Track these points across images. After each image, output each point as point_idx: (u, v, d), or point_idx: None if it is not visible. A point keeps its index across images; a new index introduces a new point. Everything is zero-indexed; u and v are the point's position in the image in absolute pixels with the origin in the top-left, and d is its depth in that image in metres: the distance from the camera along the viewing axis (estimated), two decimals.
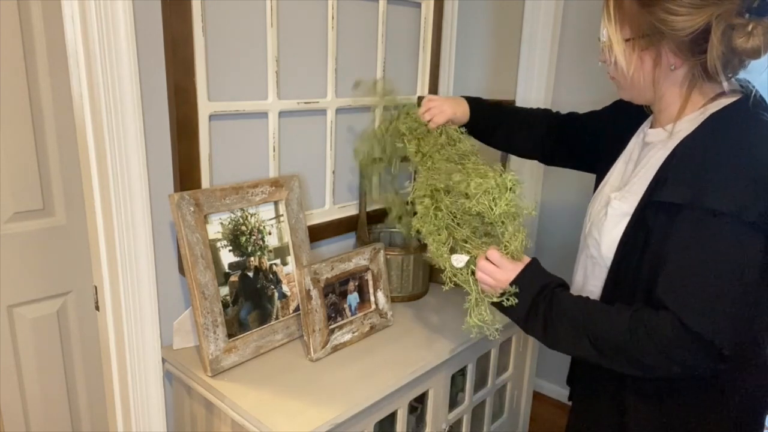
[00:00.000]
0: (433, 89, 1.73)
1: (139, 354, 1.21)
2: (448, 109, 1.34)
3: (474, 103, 1.38)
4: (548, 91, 2.13)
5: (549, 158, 1.38)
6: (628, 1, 0.89)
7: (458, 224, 1.11)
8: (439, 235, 1.12)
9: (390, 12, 1.55)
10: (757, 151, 0.81)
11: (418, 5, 1.63)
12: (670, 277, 0.85)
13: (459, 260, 1.07)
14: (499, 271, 1.01)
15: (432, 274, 1.58)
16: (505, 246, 1.03)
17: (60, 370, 1.56)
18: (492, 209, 1.03)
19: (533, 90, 2.13)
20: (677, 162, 0.88)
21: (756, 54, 0.82)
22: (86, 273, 1.48)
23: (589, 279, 1.05)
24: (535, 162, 2.23)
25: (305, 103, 1.40)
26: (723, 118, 0.87)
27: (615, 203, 0.96)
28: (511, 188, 1.05)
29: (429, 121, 1.34)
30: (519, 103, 2.12)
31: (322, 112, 1.46)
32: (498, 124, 1.38)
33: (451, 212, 1.12)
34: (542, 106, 2.13)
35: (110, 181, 1.10)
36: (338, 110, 1.49)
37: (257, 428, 1.05)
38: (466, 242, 1.09)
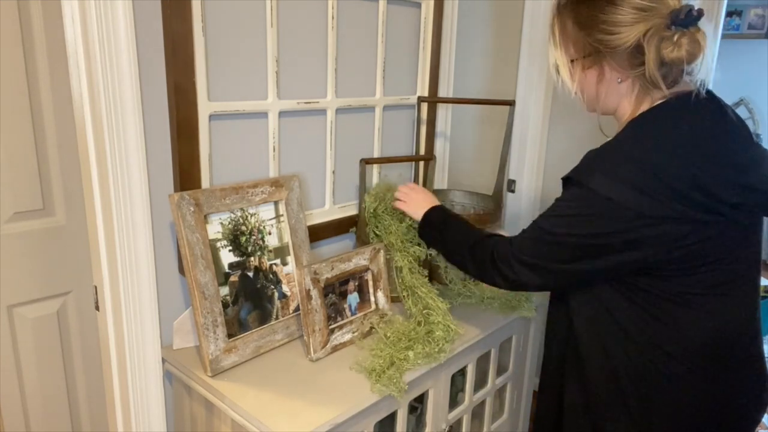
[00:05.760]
0: (433, 89, 1.73)
1: (139, 354, 1.21)
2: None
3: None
4: (548, 92, 2.13)
5: None
6: (571, 27, 0.98)
7: None
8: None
9: (390, 12, 1.55)
10: (644, 151, 0.90)
11: (418, 5, 1.63)
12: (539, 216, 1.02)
13: None
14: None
15: (431, 275, 1.58)
16: None
17: (60, 370, 1.56)
18: None
19: (533, 90, 2.13)
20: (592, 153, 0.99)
21: (680, 62, 0.89)
22: (86, 273, 1.48)
23: None
24: (535, 159, 2.25)
25: (305, 103, 1.40)
26: (634, 124, 0.95)
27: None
28: None
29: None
30: (519, 104, 2.12)
31: (322, 112, 1.46)
32: None
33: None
34: (542, 107, 2.15)
35: (110, 181, 1.10)
36: (338, 110, 1.49)
37: (257, 428, 1.05)
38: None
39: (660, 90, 0.93)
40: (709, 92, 0.94)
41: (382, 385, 1.14)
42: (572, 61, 0.99)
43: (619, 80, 0.96)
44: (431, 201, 1.35)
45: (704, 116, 0.93)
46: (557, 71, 1.02)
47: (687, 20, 0.87)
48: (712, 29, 0.93)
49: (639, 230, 0.88)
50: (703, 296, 0.93)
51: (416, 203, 1.36)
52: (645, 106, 0.96)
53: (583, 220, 0.93)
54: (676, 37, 0.87)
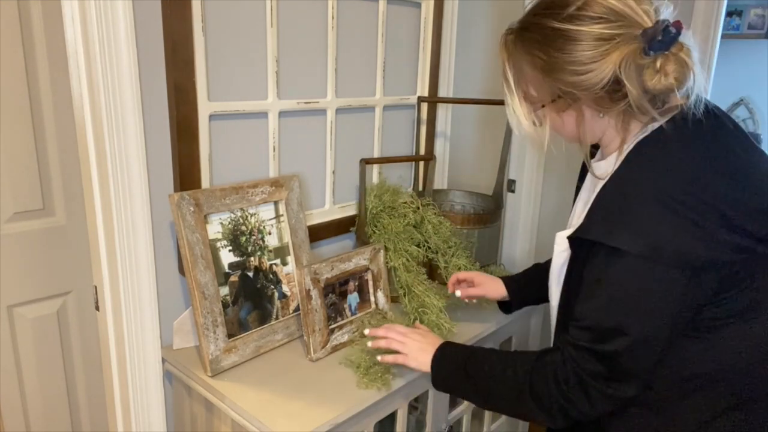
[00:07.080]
0: (433, 89, 1.73)
1: (139, 354, 1.21)
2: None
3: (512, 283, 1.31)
4: None
5: None
6: (530, 72, 0.87)
7: None
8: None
9: (390, 12, 1.55)
10: (663, 186, 0.79)
11: (418, 5, 1.63)
12: (579, 307, 0.87)
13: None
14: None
15: (431, 275, 1.58)
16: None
17: (60, 370, 1.56)
18: None
19: None
20: (596, 199, 0.86)
21: (670, 90, 0.77)
22: (86, 273, 1.48)
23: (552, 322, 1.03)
24: (534, 165, 2.25)
25: (305, 103, 1.40)
26: (636, 155, 0.84)
27: (558, 239, 0.94)
28: None
29: None
30: None
31: (322, 112, 1.46)
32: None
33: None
34: None
35: (110, 181, 1.10)
36: (338, 110, 1.49)
37: (257, 428, 1.05)
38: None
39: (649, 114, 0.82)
40: (705, 106, 0.83)
41: (369, 380, 1.14)
42: (542, 106, 0.88)
43: (601, 115, 0.86)
44: (432, 340, 1.09)
45: (711, 138, 0.83)
46: (518, 122, 0.90)
47: (665, 41, 0.75)
48: (691, 37, 0.80)
49: (690, 284, 0.79)
50: (726, 326, 0.86)
51: (418, 349, 1.08)
52: (635, 128, 0.86)
53: (632, 296, 0.80)
54: (658, 64, 0.76)
